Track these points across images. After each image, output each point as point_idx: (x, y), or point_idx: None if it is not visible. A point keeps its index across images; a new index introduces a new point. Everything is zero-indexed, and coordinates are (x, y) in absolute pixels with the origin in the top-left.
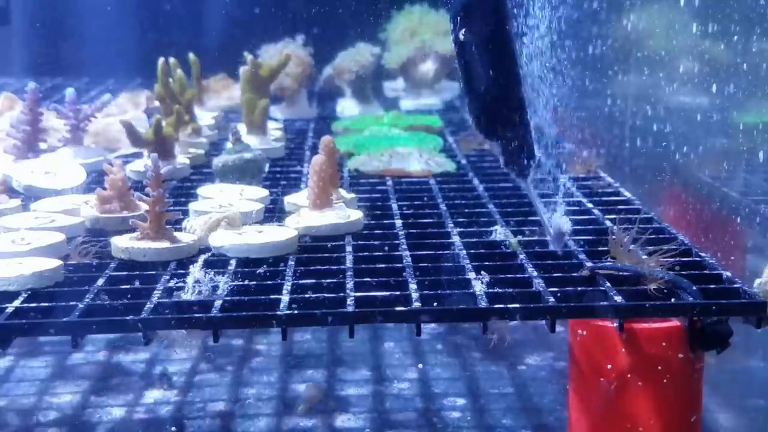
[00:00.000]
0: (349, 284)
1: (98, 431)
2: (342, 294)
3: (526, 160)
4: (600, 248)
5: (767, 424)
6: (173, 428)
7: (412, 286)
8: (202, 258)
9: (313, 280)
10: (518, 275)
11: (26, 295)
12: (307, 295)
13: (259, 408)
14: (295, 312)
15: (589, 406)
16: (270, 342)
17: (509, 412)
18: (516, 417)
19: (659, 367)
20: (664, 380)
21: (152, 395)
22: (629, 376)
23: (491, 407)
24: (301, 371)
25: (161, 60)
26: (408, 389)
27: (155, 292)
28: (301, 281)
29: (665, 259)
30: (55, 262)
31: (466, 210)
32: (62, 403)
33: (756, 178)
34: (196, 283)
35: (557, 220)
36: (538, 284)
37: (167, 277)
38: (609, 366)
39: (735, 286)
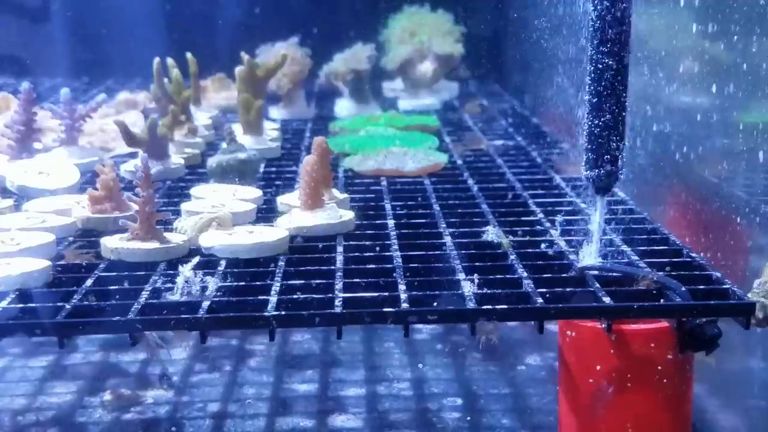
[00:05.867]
0: (339, 285)
1: (97, 431)
2: (331, 295)
3: (608, 170)
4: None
5: (767, 424)
6: (173, 428)
7: (402, 287)
8: (191, 259)
9: (303, 281)
10: (508, 276)
11: (14, 296)
12: (295, 296)
13: (258, 408)
14: (283, 313)
15: (578, 407)
16: (268, 342)
17: (508, 412)
18: (515, 417)
19: (648, 368)
20: (654, 381)
21: (152, 395)
22: (618, 377)
23: (490, 408)
24: (301, 371)
25: (156, 60)
26: (407, 389)
27: (143, 293)
28: (290, 282)
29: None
30: (44, 263)
31: (460, 210)
32: (61, 402)
33: (757, 177)
34: (184, 284)
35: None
36: (528, 285)
37: (156, 278)
38: (598, 367)
39: (724, 286)
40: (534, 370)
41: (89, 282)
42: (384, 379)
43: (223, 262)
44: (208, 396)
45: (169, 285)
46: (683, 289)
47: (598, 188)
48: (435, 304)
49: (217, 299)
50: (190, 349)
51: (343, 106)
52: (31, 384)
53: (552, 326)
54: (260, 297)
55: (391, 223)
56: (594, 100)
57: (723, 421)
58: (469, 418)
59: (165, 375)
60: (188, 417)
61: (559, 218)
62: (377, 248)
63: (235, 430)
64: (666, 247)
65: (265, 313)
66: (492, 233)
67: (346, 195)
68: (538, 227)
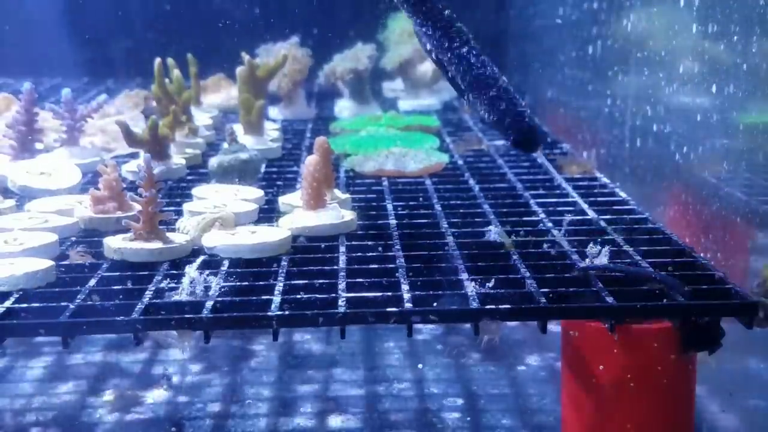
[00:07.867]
0: (342, 285)
1: (97, 431)
2: (334, 294)
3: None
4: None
5: (767, 424)
6: (173, 428)
7: (405, 286)
8: (194, 259)
9: (306, 281)
10: (511, 275)
11: (18, 296)
12: (299, 296)
13: (258, 408)
14: (286, 313)
15: (581, 406)
16: (269, 342)
17: (509, 412)
18: (515, 417)
19: (651, 368)
20: (656, 381)
21: (152, 395)
22: (621, 376)
23: (491, 408)
24: (301, 371)
25: (157, 60)
26: (407, 389)
27: (147, 292)
28: (293, 282)
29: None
30: (47, 263)
31: (461, 210)
32: (62, 403)
33: (757, 178)
34: (188, 283)
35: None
36: (531, 285)
37: (159, 278)
38: (601, 367)
39: (727, 286)
40: (534, 371)
41: (93, 282)
42: (384, 379)
43: (225, 262)
44: (209, 396)
45: (173, 285)
46: (686, 288)
47: (528, 143)
48: (434, 304)
49: (221, 299)
50: (190, 349)
51: (344, 107)
52: (32, 384)
53: (553, 326)
54: (263, 297)
55: (393, 223)
56: (481, 71)
57: (723, 420)
58: (469, 419)
59: (165, 375)
60: (188, 417)
61: (567, 217)
62: (380, 248)
63: (236, 430)
64: (668, 247)
65: (269, 313)
66: (494, 233)
67: (348, 195)
68: (541, 227)
